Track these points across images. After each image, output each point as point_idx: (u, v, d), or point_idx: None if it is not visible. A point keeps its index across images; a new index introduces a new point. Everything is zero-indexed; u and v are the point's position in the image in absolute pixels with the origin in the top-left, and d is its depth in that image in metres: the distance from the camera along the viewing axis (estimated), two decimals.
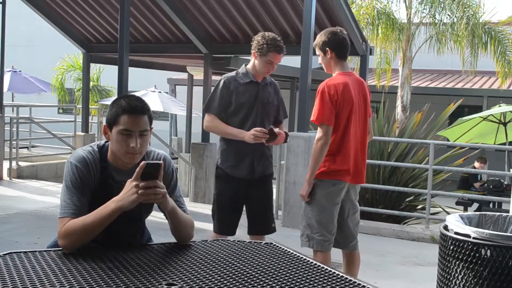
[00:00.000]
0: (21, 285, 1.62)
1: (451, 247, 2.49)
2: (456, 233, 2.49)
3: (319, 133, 3.51)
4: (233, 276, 1.80)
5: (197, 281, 1.74)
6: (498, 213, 2.79)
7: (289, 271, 1.88)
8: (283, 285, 1.74)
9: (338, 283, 1.78)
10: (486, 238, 2.38)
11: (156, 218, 2.63)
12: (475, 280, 2.39)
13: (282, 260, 2.02)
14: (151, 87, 14.02)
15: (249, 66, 3.78)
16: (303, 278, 1.81)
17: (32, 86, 15.89)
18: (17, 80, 15.33)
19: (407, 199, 8.33)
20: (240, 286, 1.71)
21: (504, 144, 9.23)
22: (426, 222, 6.85)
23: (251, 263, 1.96)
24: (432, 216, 7.13)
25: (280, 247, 2.19)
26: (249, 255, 2.07)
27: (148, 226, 2.45)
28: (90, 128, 13.63)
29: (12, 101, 17.23)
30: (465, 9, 12.92)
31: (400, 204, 8.22)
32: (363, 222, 6.37)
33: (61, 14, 10.86)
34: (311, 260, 2.02)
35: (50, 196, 8.11)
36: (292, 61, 10.92)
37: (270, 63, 3.68)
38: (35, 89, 16.04)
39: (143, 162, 1.95)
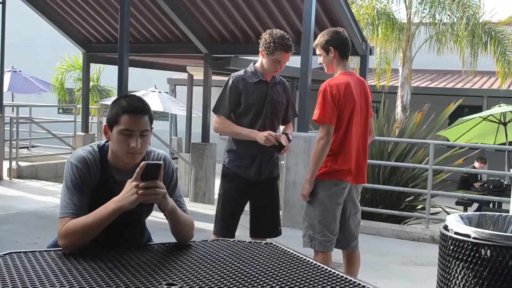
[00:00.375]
0: (21, 285, 1.62)
1: (451, 247, 2.49)
2: (456, 233, 2.49)
3: (320, 132, 3.50)
4: (233, 276, 1.80)
5: (197, 281, 1.74)
6: (498, 213, 2.79)
7: (289, 271, 1.88)
8: (283, 285, 1.74)
9: (338, 283, 1.78)
10: (486, 238, 2.38)
11: (156, 218, 2.63)
12: (475, 280, 2.39)
13: (282, 260, 2.02)
14: (151, 87, 14.03)
15: (258, 64, 3.71)
16: (303, 278, 1.81)
17: (32, 86, 15.88)
18: (17, 80, 15.32)
19: (407, 199, 8.34)
20: (240, 286, 1.71)
21: (504, 144, 9.23)
22: (426, 222, 6.85)
23: (251, 263, 1.96)
24: (432, 216, 7.13)
25: (280, 247, 2.19)
26: (249, 255, 2.07)
27: (148, 226, 2.45)
28: (90, 128, 13.62)
29: (12, 101, 17.23)
30: (465, 9, 12.92)
31: (400, 204, 8.22)
32: (363, 222, 6.37)
33: (61, 14, 10.85)
34: (311, 260, 2.02)
35: (50, 196, 8.11)
36: (292, 61, 10.91)
37: (277, 62, 3.60)
38: (35, 89, 16.04)
39: (143, 162, 1.95)
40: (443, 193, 7.64)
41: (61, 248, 2.01)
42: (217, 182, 4.36)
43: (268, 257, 2.05)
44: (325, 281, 1.80)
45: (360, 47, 9.06)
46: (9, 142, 10.04)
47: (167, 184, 2.13)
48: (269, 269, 1.90)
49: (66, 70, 17.52)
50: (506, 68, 13.07)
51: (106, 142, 2.23)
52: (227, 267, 1.90)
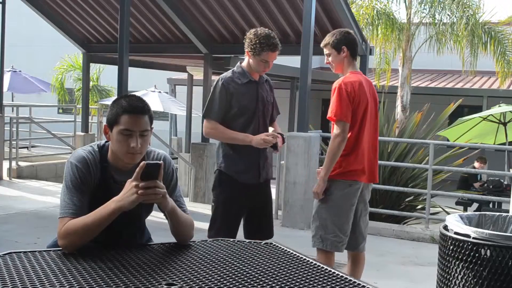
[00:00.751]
0: (20, 285, 1.62)
1: (451, 247, 2.49)
2: (456, 233, 2.49)
3: (336, 130, 3.46)
4: (233, 276, 1.80)
5: (197, 281, 1.74)
6: (498, 213, 2.79)
7: (289, 271, 1.88)
8: (283, 285, 1.74)
9: (338, 283, 1.78)
10: (486, 238, 2.38)
11: (156, 218, 2.63)
12: (475, 280, 2.39)
13: (282, 260, 2.02)
14: (151, 87, 14.02)
15: (244, 64, 3.60)
16: (303, 278, 1.81)
17: (32, 86, 15.88)
18: (17, 80, 15.32)
19: (407, 199, 8.33)
20: (240, 286, 1.71)
21: (504, 144, 9.23)
22: (426, 222, 6.85)
23: (251, 263, 1.96)
24: (432, 216, 7.13)
25: (280, 247, 2.19)
26: (249, 255, 2.07)
27: (148, 226, 2.45)
28: (90, 128, 13.63)
29: (12, 101, 17.23)
30: (465, 9, 12.92)
31: (400, 204, 8.22)
32: None
33: (61, 14, 10.86)
34: (311, 260, 2.02)
35: (50, 196, 8.11)
36: (292, 61, 10.92)
37: (265, 62, 3.51)
38: (35, 89, 16.04)
39: (143, 162, 1.95)
40: (443, 193, 7.64)
41: (61, 248, 2.01)
42: None
43: (268, 257, 2.05)
44: (325, 281, 1.80)
45: (360, 47, 9.04)
46: (9, 142, 10.04)
47: (167, 184, 2.13)
48: (269, 269, 1.90)
49: (66, 70, 17.53)
50: (505, 68, 13.07)
51: (106, 142, 2.23)
52: (227, 267, 1.90)
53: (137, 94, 2.85)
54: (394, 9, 19.68)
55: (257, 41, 3.48)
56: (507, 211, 6.15)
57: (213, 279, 1.76)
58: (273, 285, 1.74)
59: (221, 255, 2.05)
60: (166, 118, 17.49)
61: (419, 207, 8.43)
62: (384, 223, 7.09)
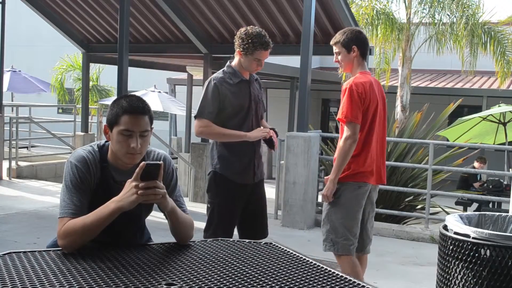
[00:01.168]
0: (20, 285, 1.62)
1: (451, 247, 2.49)
2: (455, 233, 2.50)
3: (346, 131, 3.41)
4: (233, 276, 1.80)
5: (197, 281, 1.74)
6: (497, 213, 2.80)
7: (288, 271, 1.88)
8: (282, 285, 1.74)
9: (337, 283, 1.79)
10: (486, 238, 2.38)
11: (156, 218, 2.63)
12: (475, 280, 2.39)
13: (281, 260, 2.02)
14: (151, 87, 14.02)
15: (235, 63, 3.57)
16: (303, 278, 1.82)
17: (32, 86, 15.87)
18: (17, 80, 15.31)
19: (407, 199, 8.33)
20: (240, 286, 1.72)
21: (503, 144, 9.23)
22: (425, 222, 6.85)
23: (251, 263, 1.96)
24: (432, 216, 7.13)
25: (280, 247, 2.19)
26: (249, 255, 2.07)
27: (148, 226, 2.45)
28: (90, 128, 13.63)
29: (12, 101, 17.22)
30: (464, 9, 12.91)
31: (399, 204, 8.22)
32: None
33: (61, 14, 10.86)
34: (310, 260, 2.02)
35: (49, 196, 8.11)
36: (292, 61, 10.92)
37: (257, 60, 3.50)
38: (35, 89, 16.03)
39: (143, 162, 1.95)
40: (443, 193, 7.64)
41: (60, 248, 2.01)
42: None
43: (268, 257, 2.06)
44: (324, 281, 1.80)
45: None
46: (8, 142, 10.04)
47: (167, 184, 2.13)
48: (269, 269, 1.90)
49: (65, 70, 17.53)
50: (505, 68, 13.06)
51: (106, 142, 2.23)
52: (227, 267, 1.90)
53: (137, 94, 2.85)
54: (393, 9, 19.73)
55: (249, 40, 3.45)
56: (507, 211, 6.15)
57: (213, 279, 1.76)
58: (273, 285, 1.74)
59: (221, 255, 2.05)
60: (166, 118, 17.49)
61: (419, 207, 8.43)
62: (384, 223, 7.09)
